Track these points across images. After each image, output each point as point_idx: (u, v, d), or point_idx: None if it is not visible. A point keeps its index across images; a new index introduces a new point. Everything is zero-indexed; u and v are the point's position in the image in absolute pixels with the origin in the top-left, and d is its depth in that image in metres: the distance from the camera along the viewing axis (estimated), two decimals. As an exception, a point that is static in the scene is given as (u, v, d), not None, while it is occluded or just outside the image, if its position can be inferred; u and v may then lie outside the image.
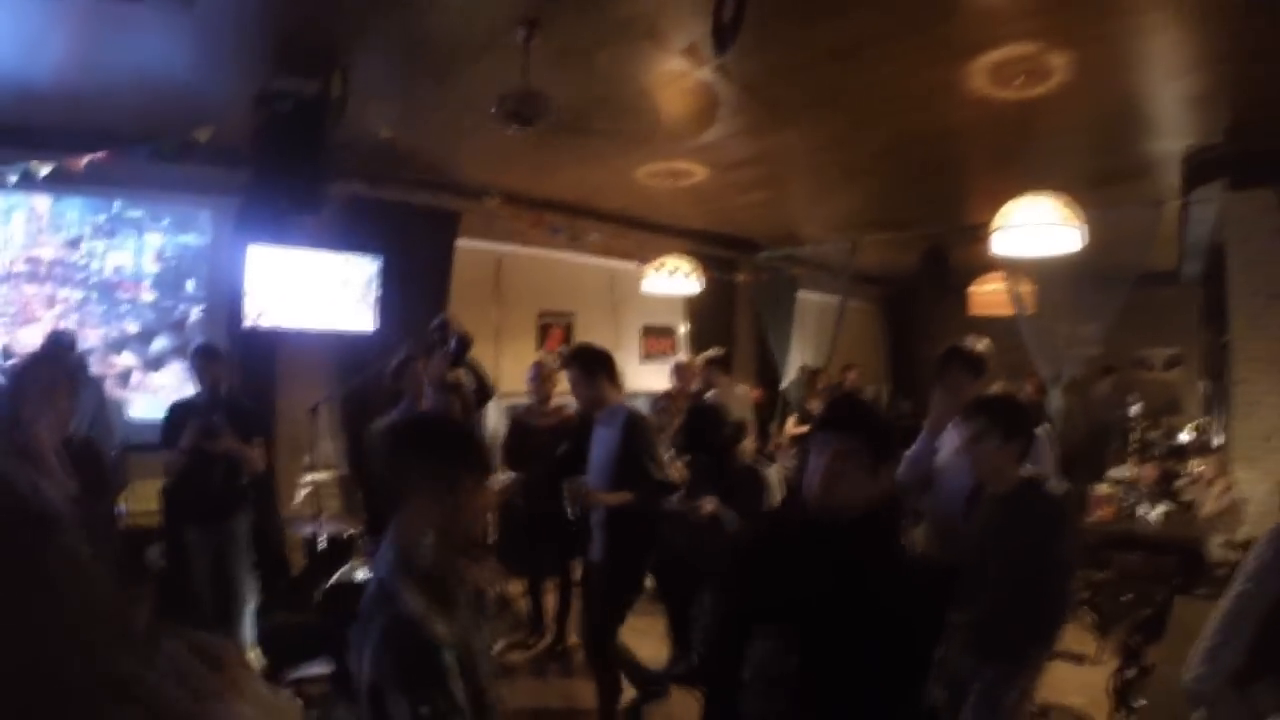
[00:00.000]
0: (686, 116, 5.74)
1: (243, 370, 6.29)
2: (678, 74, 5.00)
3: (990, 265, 8.78)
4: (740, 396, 7.55)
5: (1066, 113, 5.40)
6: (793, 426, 8.91)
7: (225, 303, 6.71)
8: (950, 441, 3.75)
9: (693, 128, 5.95)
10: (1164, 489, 6.45)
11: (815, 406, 9.00)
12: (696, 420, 5.08)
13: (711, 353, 7.55)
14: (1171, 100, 5.30)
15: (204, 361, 5.28)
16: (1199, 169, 6.15)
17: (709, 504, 4.40)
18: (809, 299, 10.94)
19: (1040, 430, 3.69)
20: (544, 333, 9.19)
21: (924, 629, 2.20)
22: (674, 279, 7.72)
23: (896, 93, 5.21)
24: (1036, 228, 5.07)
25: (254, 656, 5.28)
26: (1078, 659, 4.93)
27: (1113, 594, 5.18)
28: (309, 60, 4.75)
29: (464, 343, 5.52)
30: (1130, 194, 6.70)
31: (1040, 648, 3.29)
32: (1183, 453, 7.82)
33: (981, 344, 4.09)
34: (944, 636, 2.31)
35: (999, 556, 3.18)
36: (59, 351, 5.53)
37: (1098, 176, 6.34)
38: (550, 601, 6.31)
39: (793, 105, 5.50)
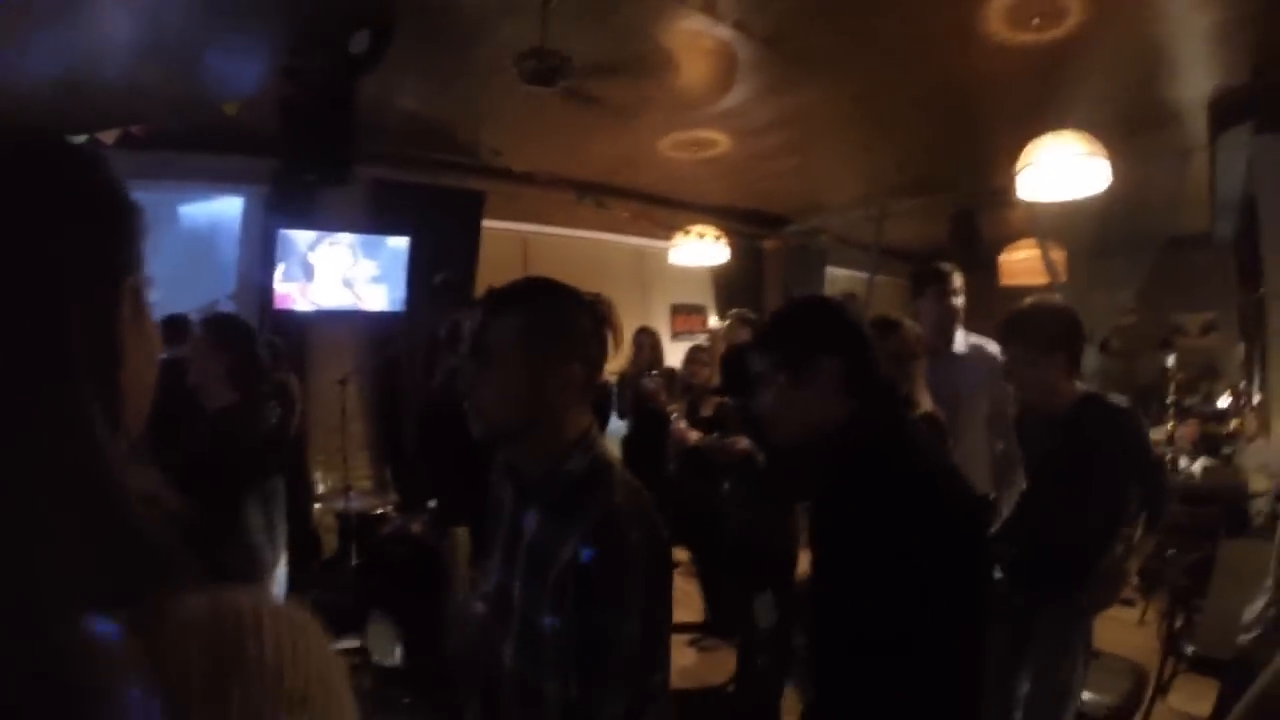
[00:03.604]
0: (708, 77, 5.73)
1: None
2: (696, 32, 5.00)
3: (1021, 233, 8.70)
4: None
5: (1086, 56, 5.31)
6: None
7: (256, 286, 6.81)
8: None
9: (715, 89, 5.94)
10: (1204, 447, 6.37)
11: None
12: (733, 362, 5.06)
13: (744, 311, 7.44)
14: (1194, 37, 5.17)
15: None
16: (1225, 113, 5.98)
17: (741, 441, 4.39)
18: (838, 274, 10.88)
19: None
20: (572, 313, 9.18)
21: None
22: (702, 246, 7.72)
23: (913, 38, 5.14)
24: (1063, 165, 5.02)
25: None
26: (1126, 602, 4.92)
27: (1157, 550, 5.11)
28: (331, 35, 4.80)
29: None
30: (1156, 145, 6.57)
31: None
32: (1222, 416, 7.73)
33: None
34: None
35: (1057, 481, 3.08)
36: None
37: (1122, 127, 6.22)
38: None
39: (812, 59, 5.46)
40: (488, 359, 1.69)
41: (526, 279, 1.84)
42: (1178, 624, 4.22)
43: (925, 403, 3.35)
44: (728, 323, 7.06)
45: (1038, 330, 3.09)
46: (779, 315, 2.22)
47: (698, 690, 4.87)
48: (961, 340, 4.06)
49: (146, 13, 4.44)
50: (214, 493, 2.98)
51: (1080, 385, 3.14)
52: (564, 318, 1.75)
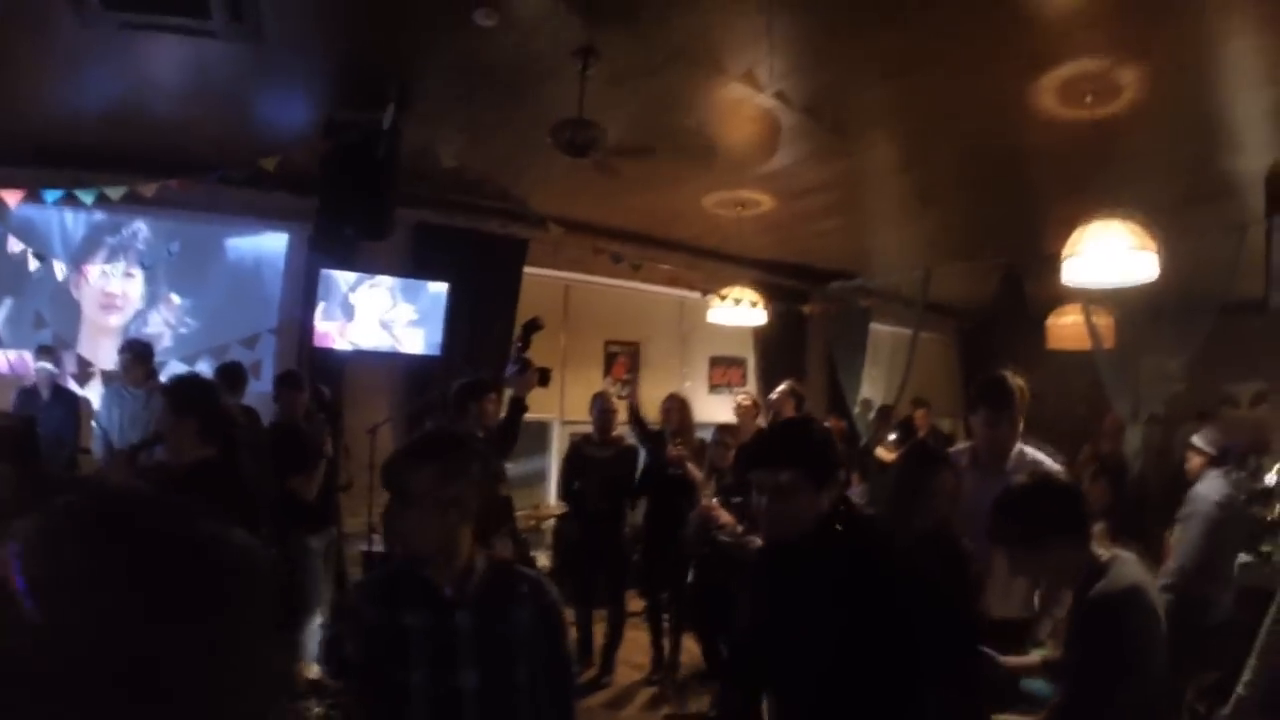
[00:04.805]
0: (749, 143, 5.73)
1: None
2: (737, 100, 5.00)
3: (1068, 297, 8.53)
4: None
5: (1140, 132, 5.22)
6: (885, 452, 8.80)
7: (296, 322, 6.92)
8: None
9: (756, 155, 5.94)
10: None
11: (887, 443, 8.90)
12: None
13: (795, 384, 7.35)
14: (1252, 113, 5.06)
15: (283, 389, 5.66)
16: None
17: (756, 540, 4.33)
18: (881, 331, 10.78)
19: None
20: (610, 361, 9.22)
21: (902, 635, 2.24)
22: (740, 310, 7.69)
23: (961, 111, 5.10)
24: (1110, 255, 4.90)
25: (313, 669, 5.36)
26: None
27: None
28: (373, 91, 4.89)
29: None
30: (1212, 217, 6.38)
31: None
32: (1269, 496, 7.43)
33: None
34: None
35: None
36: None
37: (1177, 199, 6.10)
38: (599, 632, 6.29)
39: (857, 127, 5.45)
40: (408, 500, 2.14)
41: (433, 433, 2.64)
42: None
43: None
44: (781, 390, 6.96)
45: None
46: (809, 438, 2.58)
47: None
48: (1015, 457, 3.74)
49: (193, 59, 4.56)
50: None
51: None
52: (465, 465, 2.18)
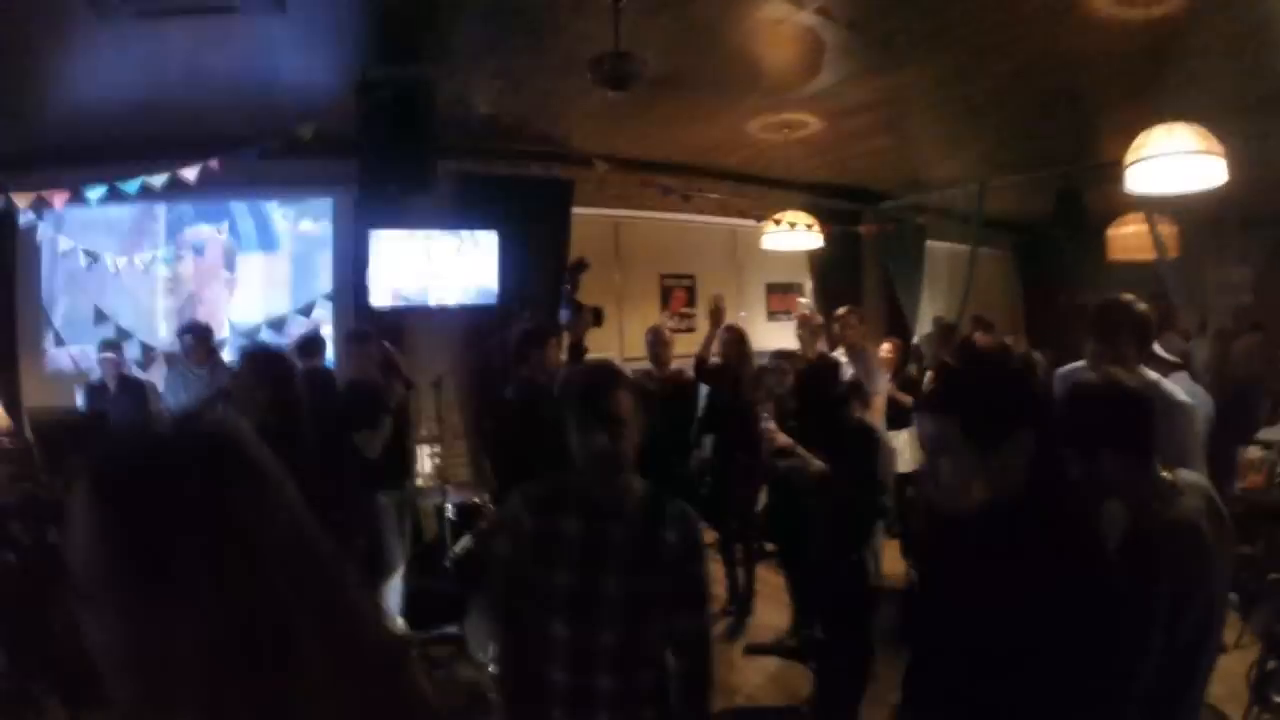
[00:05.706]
0: (792, 64, 5.56)
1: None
2: (778, 19, 4.84)
3: (1129, 206, 8.25)
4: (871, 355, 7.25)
5: (1200, 32, 4.94)
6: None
7: (350, 285, 6.95)
8: None
9: (801, 75, 5.76)
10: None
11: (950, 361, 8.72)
12: (808, 379, 4.95)
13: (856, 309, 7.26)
14: None
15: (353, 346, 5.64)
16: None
17: (816, 463, 4.29)
18: (938, 248, 10.54)
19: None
20: (667, 295, 9.15)
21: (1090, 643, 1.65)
22: (794, 234, 7.58)
23: (1012, 17, 4.85)
24: (1173, 160, 4.69)
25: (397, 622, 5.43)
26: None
27: (1259, 571, 4.67)
28: (404, 44, 4.83)
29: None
30: (1275, 124, 6.09)
31: None
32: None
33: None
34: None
35: None
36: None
37: (1241, 104, 5.79)
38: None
39: (903, 41, 5.21)
40: (623, 428, 2.24)
41: (597, 366, 2.86)
42: (1269, 668, 3.88)
43: None
44: (841, 314, 6.89)
45: None
46: (964, 378, 1.95)
47: (773, 709, 4.77)
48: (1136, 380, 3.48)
49: (217, 37, 4.52)
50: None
51: None
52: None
